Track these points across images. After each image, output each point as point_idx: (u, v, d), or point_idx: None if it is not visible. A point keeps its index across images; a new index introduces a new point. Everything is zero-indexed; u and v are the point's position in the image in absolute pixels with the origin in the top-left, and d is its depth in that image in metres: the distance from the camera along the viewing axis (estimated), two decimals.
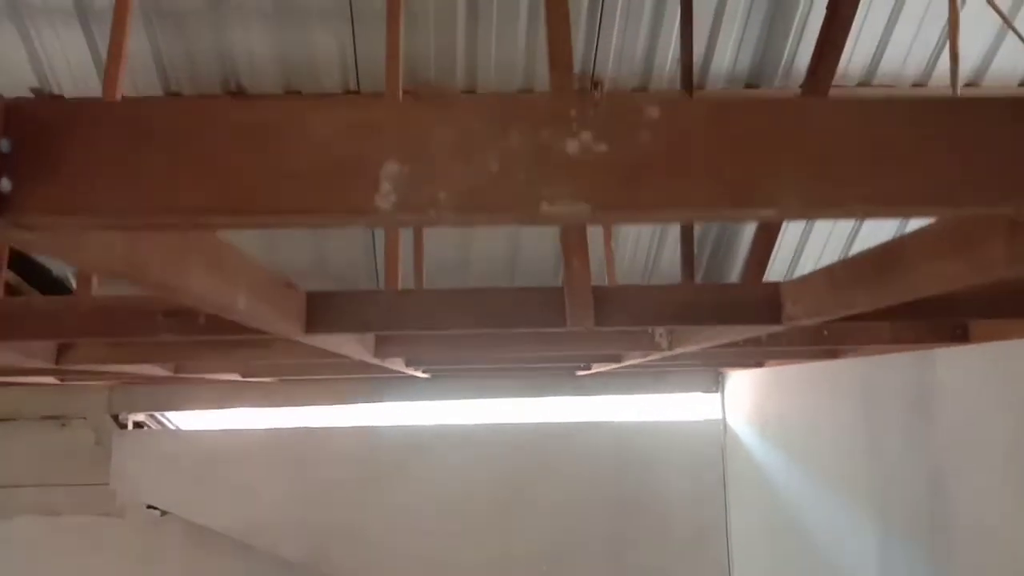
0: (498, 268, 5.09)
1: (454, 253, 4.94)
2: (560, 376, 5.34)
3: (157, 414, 5.84)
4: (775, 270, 4.67)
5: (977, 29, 3.80)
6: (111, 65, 2.60)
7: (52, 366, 2.45)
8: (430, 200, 0.68)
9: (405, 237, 3.12)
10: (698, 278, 4.49)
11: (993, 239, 1.05)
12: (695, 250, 3.88)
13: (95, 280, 2.63)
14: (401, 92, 2.57)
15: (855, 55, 4.04)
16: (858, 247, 4.78)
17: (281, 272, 1.61)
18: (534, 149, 0.69)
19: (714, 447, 5.81)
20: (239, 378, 4.03)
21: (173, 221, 0.71)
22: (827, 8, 3.50)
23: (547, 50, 1.87)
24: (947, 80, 2.80)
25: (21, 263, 4.42)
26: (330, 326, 1.83)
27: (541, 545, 5.64)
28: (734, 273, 5.05)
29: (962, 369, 2.87)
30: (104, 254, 0.86)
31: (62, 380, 3.80)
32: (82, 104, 0.67)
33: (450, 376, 5.27)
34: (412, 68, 3.94)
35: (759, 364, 4.46)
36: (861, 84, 4.21)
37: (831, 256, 4.91)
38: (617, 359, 3.55)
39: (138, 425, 5.74)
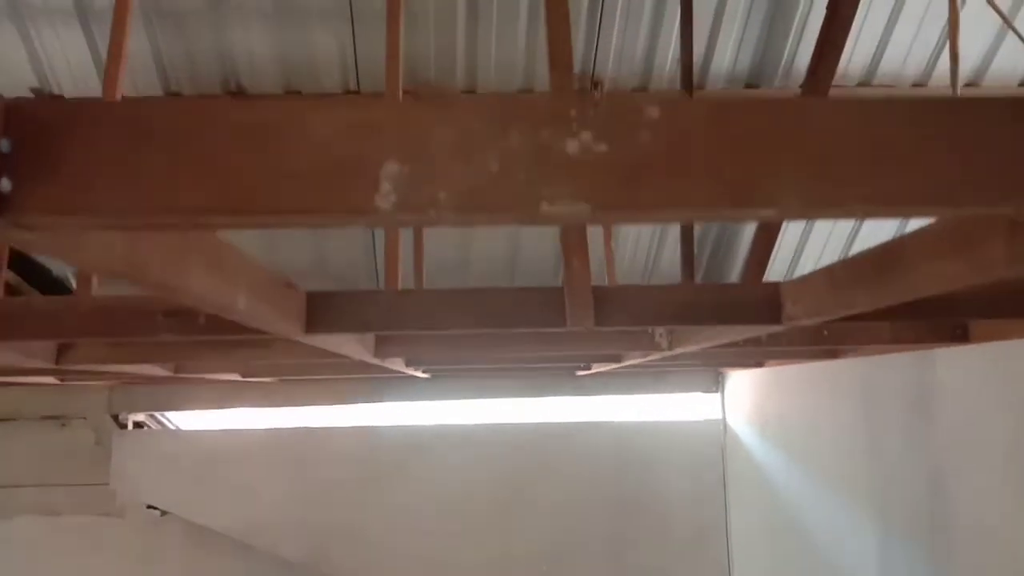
0: (498, 268, 5.09)
1: (454, 253, 4.94)
2: (560, 376, 5.34)
3: (157, 414, 5.84)
4: (775, 270, 4.67)
5: (977, 29, 3.80)
6: (111, 65, 2.60)
7: (52, 366, 2.45)
8: (430, 200, 0.68)
9: (405, 237, 3.12)
10: (698, 278, 4.49)
11: (993, 239, 1.05)
12: (695, 250, 3.88)
13: (95, 280, 2.63)
14: (401, 92, 2.57)
15: (855, 55, 4.04)
16: (858, 247, 4.78)
17: (281, 272, 1.61)
18: (534, 149, 0.69)
19: (714, 447, 5.81)
20: (239, 378, 4.03)
21: (173, 221, 0.71)
22: (827, 8, 3.50)
23: (547, 50, 1.87)
24: (947, 80, 2.80)
25: (21, 263, 4.42)
26: (330, 326, 1.83)
27: (541, 545, 5.64)
28: (734, 273, 5.05)
29: (962, 369, 2.87)
30: (104, 254, 0.86)
31: (62, 380, 3.80)
32: (82, 104, 0.67)
33: (450, 376, 5.27)
34: (412, 68, 3.94)
35: (759, 364, 4.47)
36: (861, 84, 4.21)
37: (831, 256, 4.91)
38: (617, 359, 3.55)
39: (138, 425, 5.74)
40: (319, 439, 5.76)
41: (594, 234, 3.66)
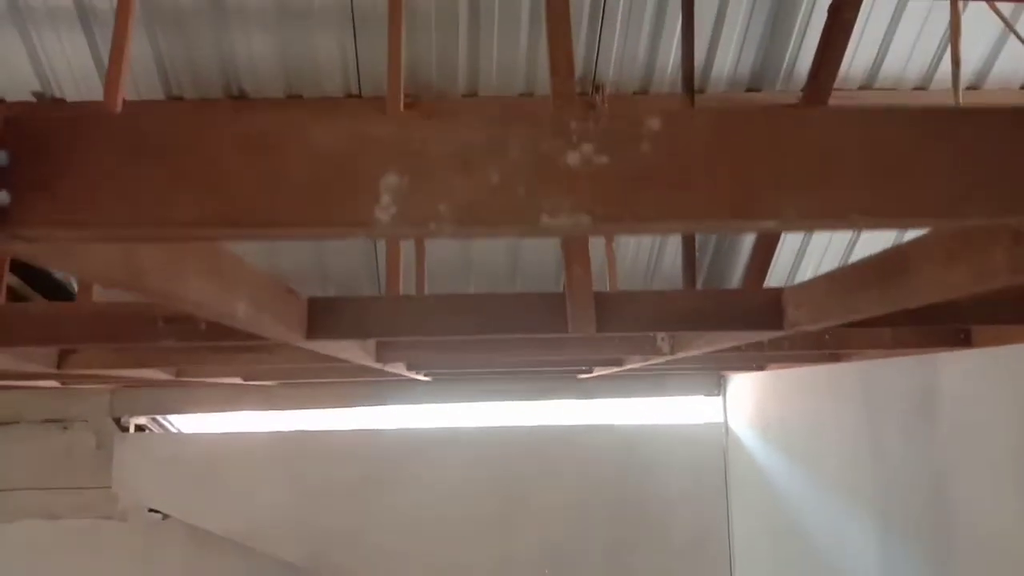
0: (500, 271, 5.09)
1: (455, 256, 4.94)
2: (561, 379, 5.33)
3: (159, 417, 5.84)
4: (776, 275, 4.67)
5: (979, 33, 3.80)
6: (113, 68, 2.60)
7: (53, 371, 2.45)
8: (430, 212, 0.68)
9: (406, 242, 3.12)
10: (699, 283, 4.49)
11: (996, 248, 1.05)
12: (696, 255, 3.88)
13: (96, 285, 2.63)
14: (403, 97, 2.57)
15: (857, 58, 4.04)
16: (858, 253, 4.77)
17: (282, 278, 1.60)
18: (534, 161, 0.69)
19: (716, 450, 5.80)
20: (241, 382, 4.03)
21: (172, 234, 0.71)
22: (828, 11, 3.50)
23: (548, 54, 1.87)
24: (948, 84, 2.79)
25: (23, 266, 4.42)
26: (331, 332, 1.83)
27: (542, 548, 5.63)
28: (735, 277, 5.04)
29: (965, 373, 2.86)
30: (102, 263, 0.86)
31: (63, 383, 3.80)
32: (81, 117, 0.67)
33: (451, 379, 5.27)
34: (414, 72, 3.95)
35: (761, 367, 4.46)
36: (863, 87, 4.21)
37: (831, 262, 4.91)
38: (619, 363, 3.55)
39: (139, 428, 5.74)
40: (320, 442, 5.76)
41: (595, 238, 3.66)
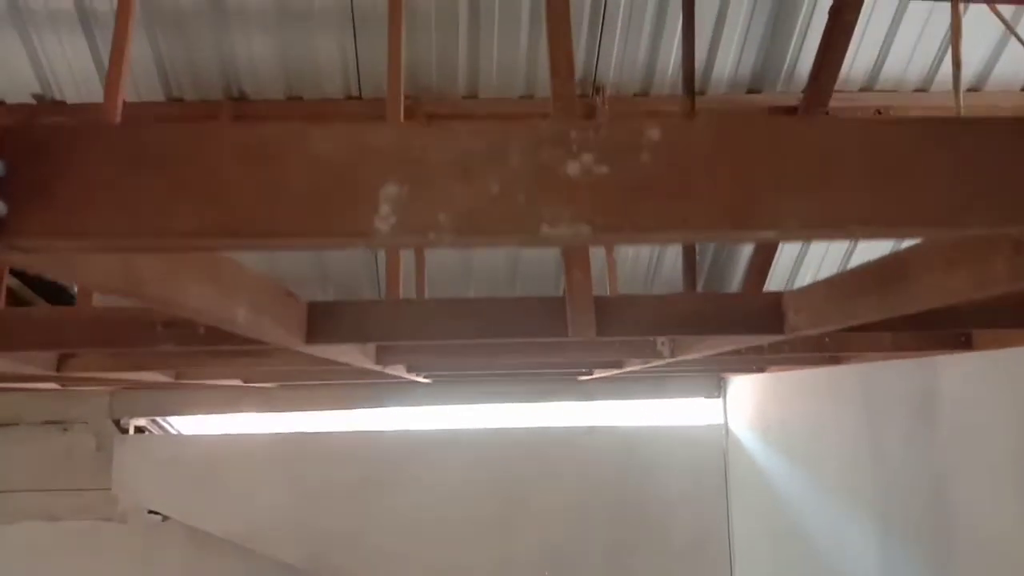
0: (499, 274, 5.09)
1: (456, 259, 4.93)
2: (562, 381, 5.33)
3: (158, 419, 5.83)
4: (775, 279, 4.67)
5: (980, 35, 3.80)
6: (113, 70, 2.60)
7: (53, 374, 2.45)
8: (430, 222, 0.68)
9: None
10: (699, 286, 4.49)
11: (996, 255, 1.05)
12: (696, 259, 3.87)
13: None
14: (403, 99, 2.57)
15: (857, 60, 4.04)
16: (857, 259, 4.77)
17: (281, 282, 1.60)
18: (534, 170, 0.68)
19: (716, 452, 5.80)
20: (240, 384, 4.03)
21: (172, 245, 0.71)
22: (829, 13, 3.49)
23: (548, 56, 1.87)
24: (949, 86, 2.79)
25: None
26: (331, 336, 1.83)
27: (543, 549, 5.63)
28: (735, 281, 5.04)
29: (965, 375, 2.86)
30: (101, 272, 0.86)
31: (63, 385, 3.80)
32: (79, 127, 0.67)
33: (451, 381, 5.26)
34: (414, 74, 3.94)
35: (761, 369, 4.46)
36: (863, 89, 4.21)
37: (830, 266, 4.91)
38: (619, 366, 3.55)
39: (139, 430, 5.73)
40: (320, 444, 5.76)
41: None
